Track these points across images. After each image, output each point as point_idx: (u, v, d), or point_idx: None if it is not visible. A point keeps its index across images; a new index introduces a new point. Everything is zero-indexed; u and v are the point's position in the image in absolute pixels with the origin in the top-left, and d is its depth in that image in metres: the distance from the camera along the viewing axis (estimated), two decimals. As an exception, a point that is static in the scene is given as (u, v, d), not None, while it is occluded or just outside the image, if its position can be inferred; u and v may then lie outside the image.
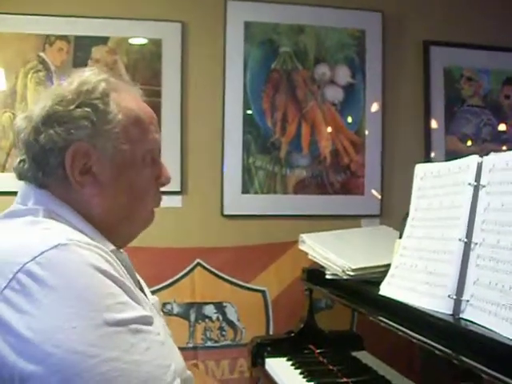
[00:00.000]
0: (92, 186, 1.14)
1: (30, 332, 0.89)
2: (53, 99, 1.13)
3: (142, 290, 1.27)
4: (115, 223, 1.19)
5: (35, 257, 0.94)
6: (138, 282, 1.28)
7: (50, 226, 1.05)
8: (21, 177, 1.17)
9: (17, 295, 0.92)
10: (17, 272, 0.93)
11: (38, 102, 1.16)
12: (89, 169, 1.14)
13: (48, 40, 2.72)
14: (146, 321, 1.00)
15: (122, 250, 1.24)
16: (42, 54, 2.71)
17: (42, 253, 0.94)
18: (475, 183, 1.42)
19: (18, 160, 1.18)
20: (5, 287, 0.92)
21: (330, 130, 2.94)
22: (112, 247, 1.14)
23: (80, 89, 1.14)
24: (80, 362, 0.88)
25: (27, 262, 0.93)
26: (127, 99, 1.20)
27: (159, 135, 1.26)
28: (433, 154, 3.05)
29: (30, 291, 0.91)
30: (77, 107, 1.12)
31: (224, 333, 2.76)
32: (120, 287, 0.99)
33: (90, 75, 1.18)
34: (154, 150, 1.24)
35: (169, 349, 1.05)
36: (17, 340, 0.89)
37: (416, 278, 1.53)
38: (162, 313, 1.44)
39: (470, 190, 1.42)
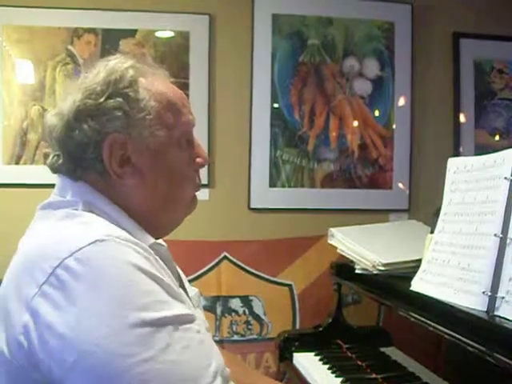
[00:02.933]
0: (132, 176, 1.12)
1: (65, 329, 0.89)
2: (82, 93, 1.11)
3: (182, 283, 1.26)
4: (157, 212, 1.17)
5: (74, 252, 0.93)
6: (179, 275, 1.27)
7: (88, 220, 1.04)
8: (56, 171, 1.16)
9: (55, 291, 0.91)
10: (56, 267, 0.92)
11: (66, 97, 1.14)
12: (127, 159, 1.12)
13: (76, 33, 2.73)
14: (186, 319, 0.98)
15: (162, 243, 1.22)
16: (70, 47, 2.73)
17: (81, 249, 0.93)
18: (511, 177, 1.39)
19: (52, 155, 1.15)
20: (44, 282, 0.92)
21: (358, 123, 2.91)
22: (152, 241, 1.12)
23: (108, 79, 1.12)
24: (115, 361, 0.88)
25: (66, 258, 0.93)
26: (156, 83, 1.17)
27: (192, 116, 1.23)
28: (462, 149, 3.00)
29: (68, 287, 0.91)
30: (107, 98, 1.10)
31: (250, 327, 2.75)
32: (159, 285, 0.97)
33: (116, 63, 1.15)
34: (189, 132, 1.22)
35: (209, 346, 1.03)
36: (52, 337, 0.89)
37: (449, 274, 1.50)
38: (201, 305, 1.43)
39: (506, 184, 1.39)
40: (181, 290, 1.14)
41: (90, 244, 0.94)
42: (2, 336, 0.95)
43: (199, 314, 1.30)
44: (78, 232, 0.98)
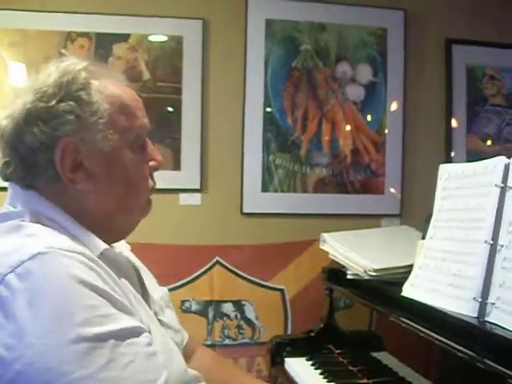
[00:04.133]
0: (85, 181, 1.09)
1: (4, 348, 0.86)
2: (33, 94, 1.08)
3: (144, 287, 1.24)
4: (112, 216, 1.14)
5: (15, 268, 0.90)
6: (139, 279, 1.24)
7: (33, 232, 1.00)
8: (6, 178, 1.12)
9: None
10: None
11: (17, 98, 1.10)
12: (80, 164, 1.08)
13: (69, 37, 2.73)
14: (132, 332, 0.95)
15: (115, 249, 1.20)
16: (63, 51, 2.72)
17: (22, 263, 0.91)
18: (502, 185, 1.40)
19: (2, 162, 1.11)
20: None
21: (350, 128, 2.92)
22: (103, 247, 1.09)
23: (60, 80, 1.08)
24: (54, 380, 0.85)
25: (6, 274, 0.90)
26: (109, 86, 1.14)
27: (146, 118, 1.20)
28: (453, 154, 3.02)
29: (7, 304, 0.88)
30: (59, 101, 1.06)
31: (242, 331, 2.75)
32: (102, 297, 0.94)
33: (68, 65, 1.12)
34: (142, 135, 1.19)
35: (161, 359, 1.00)
36: None
37: (440, 280, 1.51)
38: (171, 304, 1.39)
39: (497, 191, 1.40)
40: (137, 298, 1.10)
41: (31, 258, 0.91)
42: None
43: (168, 315, 1.29)
44: (20, 245, 0.95)
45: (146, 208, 1.22)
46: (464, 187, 1.55)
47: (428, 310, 1.50)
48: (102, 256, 1.06)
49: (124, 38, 2.75)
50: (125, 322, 0.95)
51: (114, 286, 1.00)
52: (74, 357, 0.86)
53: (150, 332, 1.04)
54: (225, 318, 2.74)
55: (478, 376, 1.32)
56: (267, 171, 2.85)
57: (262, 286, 2.78)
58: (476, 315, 1.35)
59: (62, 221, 1.07)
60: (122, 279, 1.09)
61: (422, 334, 1.51)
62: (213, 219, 2.81)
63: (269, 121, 2.85)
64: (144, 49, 2.77)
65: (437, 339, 1.44)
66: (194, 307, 2.71)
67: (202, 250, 2.74)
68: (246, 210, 2.84)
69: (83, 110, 1.08)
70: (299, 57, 2.88)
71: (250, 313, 2.76)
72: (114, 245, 1.22)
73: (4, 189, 1.14)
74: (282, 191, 2.87)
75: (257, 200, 2.84)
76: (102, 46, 2.74)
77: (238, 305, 2.76)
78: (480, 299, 1.35)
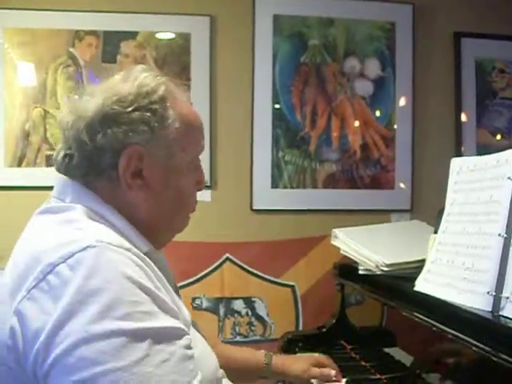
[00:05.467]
0: (140, 189, 1.13)
1: (48, 331, 0.89)
2: (109, 97, 1.11)
3: (176, 289, 1.27)
4: (156, 228, 1.18)
5: (66, 258, 0.94)
6: (175, 284, 1.27)
7: (83, 226, 1.03)
8: (62, 171, 1.15)
9: (43, 295, 0.93)
10: (48, 273, 0.94)
11: (88, 97, 1.14)
12: (139, 172, 1.12)
13: (77, 35, 2.73)
14: (173, 332, 0.97)
15: (159, 252, 1.22)
16: (71, 50, 2.72)
17: (73, 254, 0.94)
18: (515, 177, 1.39)
19: (63, 154, 1.15)
20: (33, 286, 0.94)
21: (359, 123, 2.91)
22: (148, 248, 1.13)
23: (140, 90, 1.12)
24: (89, 367, 0.87)
25: (58, 264, 0.94)
26: (182, 105, 1.19)
27: (204, 141, 1.27)
28: (463, 148, 3.00)
29: (56, 292, 0.92)
30: (136, 109, 1.10)
31: (253, 328, 2.75)
32: (148, 295, 0.96)
33: (147, 76, 1.16)
34: (198, 157, 1.25)
35: (194, 366, 1.00)
36: (36, 339, 0.90)
37: (453, 274, 1.50)
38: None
39: (510, 184, 1.39)
40: (177, 299, 1.12)
41: (81, 250, 0.95)
42: None
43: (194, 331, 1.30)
44: (72, 238, 0.98)
45: (185, 225, 1.26)
46: (476, 180, 1.54)
47: (442, 304, 1.49)
48: (147, 255, 1.08)
49: (132, 35, 2.75)
50: (166, 321, 0.97)
51: (158, 284, 1.02)
52: (112, 348, 0.88)
53: (190, 326, 1.08)
54: (236, 315, 2.74)
55: (492, 370, 1.31)
56: (277, 167, 2.84)
57: (273, 282, 2.78)
58: (490, 309, 1.34)
59: (112, 219, 1.10)
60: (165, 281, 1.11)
61: (435, 329, 1.51)
62: (223, 216, 2.80)
63: (278, 117, 2.84)
64: (152, 46, 2.77)
65: (451, 334, 1.43)
66: (205, 304, 2.71)
67: (213, 247, 2.74)
68: (255, 207, 2.83)
69: (157, 123, 1.12)
70: (307, 52, 2.86)
71: (260, 309, 2.76)
72: None
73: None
74: (292, 187, 2.86)
75: (267, 196, 2.84)
76: (110, 43, 2.74)
77: (249, 301, 2.76)
78: (494, 293, 1.34)
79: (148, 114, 1.11)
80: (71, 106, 1.15)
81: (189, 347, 0.99)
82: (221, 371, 1.26)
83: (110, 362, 0.88)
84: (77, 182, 1.13)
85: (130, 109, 1.10)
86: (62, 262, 0.93)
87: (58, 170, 1.16)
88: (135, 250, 1.02)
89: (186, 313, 1.12)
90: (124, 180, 1.11)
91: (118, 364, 0.88)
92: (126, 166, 1.10)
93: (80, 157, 1.12)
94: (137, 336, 0.91)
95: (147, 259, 1.04)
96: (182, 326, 1.01)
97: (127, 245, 1.01)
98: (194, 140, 1.21)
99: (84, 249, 0.95)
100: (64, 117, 1.15)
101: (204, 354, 1.16)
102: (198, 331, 1.27)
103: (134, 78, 1.14)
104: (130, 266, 0.97)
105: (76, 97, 1.17)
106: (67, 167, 1.14)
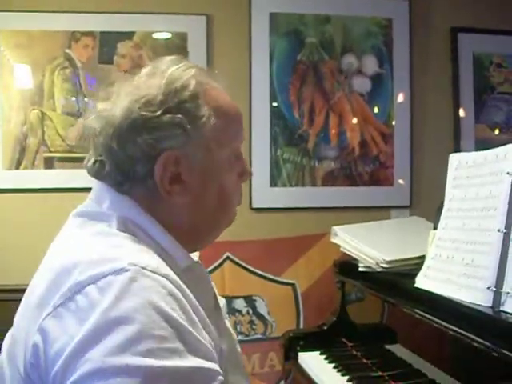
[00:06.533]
0: (180, 194, 1.05)
1: (69, 353, 0.85)
2: (136, 100, 1.02)
3: (216, 302, 1.21)
4: (201, 230, 1.12)
5: (96, 280, 0.89)
6: (214, 293, 1.20)
7: (120, 243, 0.97)
8: (98, 177, 1.08)
9: (68, 314, 0.88)
10: (75, 293, 0.89)
11: (114, 99, 1.05)
12: (177, 176, 1.04)
13: (74, 37, 2.73)
14: (201, 373, 0.88)
15: (199, 261, 1.17)
16: (68, 51, 2.72)
17: (105, 276, 0.88)
18: (514, 172, 1.39)
19: (93, 160, 1.07)
20: (60, 304, 0.89)
21: (357, 120, 2.91)
22: (190, 261, 1.08)
23: (169, 88, 1.03)
24: None
25: (88, 285, 0.89)
26: (217, 97, 1.09)
27: (243, 129, 1.17)
28: (462, 143, 3.00)
29: (82, 314, 0.87)
30: (166, 112, 1.01)
31: (254, 326, 2.75)
32: (176, 330, 0.88)
33: (176, 70, 1.06)
34: (239, 147, 1.16)
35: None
36: (57, 359, 0.86)
37: (453, 270, 1.50)
38: (227, 316, 1.34)
39: (509, 179, 1.39)
40: (212, 329, 1.03)
41: (114, 272, 0.89)
42: (21, 355, 0.93)
43: (227, 325, 1.25)
44: (105, 256, 0.93)
45: (233, 219, 1.19)
46: (475, 176, 1.54)
47: (442, 300, 1.49)
48: (187, 269, 1.05)
49: (128, 35, 2.75)
50: (191, 361, 0.88)
51: (193, 316, 0.94)
52: None
53: (222, 349, 1.02)
54: (237, 314, 2.74)
55: (492, 366, 1.31)
56: (275, 166, 2.84)
57: (273, 280, 2.77)
58: (491, 305, 1.34)
59: (151, 229, 1.04)
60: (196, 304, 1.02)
61: (436, 325, 1.51)
62: (222, 215, 2.80)
63: (276, 115, 2.84)
64: (148, 46, 2.77)
65: (452, 330, 1.43)
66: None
67: (212, 247, 2.67)
68: (255, 205, 2.83)
69: (190, 124, 1.03)
70: (304, 50, 2.87)
71: (261, 308, 2.75)
72: None
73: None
74: (291, 185, 2.86)
75: (266, 195, 2.84)
76: (107, 44, 2.74)
77: (250, 300, 2.75)
78: (494, 289, 1.34)
79: (180, 115, 1.02)
80: (97, 111, 1.07)
81: None
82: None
83: None
84: (112, 189, 1.06)
85: (159, 112, 1.01)
86: (92, 284, 0.88)
87: (93, 176, 1.09)
88: (172, 275, 0.95)
89: (223, 346, 1.06)
90: (162, 187, 1.03)
91: None
92: (162, 173, 1.02)
93: (112, 165, 1.04)
94: (155, 376, 0.83)
95: (183, 286, 0.95)
96: (213, 367, 0.91)
97: (164, 270, 0.94)
98: (232, 132, 1.11)
99: (116, 271, 0.89)
100: (90, 123, 1.07)
101: (237, 369, 1.11)
102: (236, 350, 1.21)
103: (162, 74, 1.05)
104: (163, 295, 0.89)
105: (101, 100, 1.08)
106: (99, 173, 1.07)
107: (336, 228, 2.16)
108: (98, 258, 0.92)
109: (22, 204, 2.62)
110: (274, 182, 2.84)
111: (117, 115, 1.02)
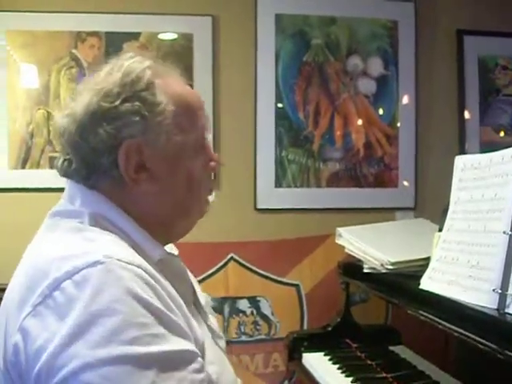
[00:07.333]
0: (148, 182, 1.07)
1: (51, 352, 0.86)
2: (96, 94, 1.05)
3: (195, 296, 1.21)
4: (173, 218, 1.13)
5: (72, 274, 0.90)
6: (192, 286, 1.21)
7: (92, 237, 0.99)
8: (66, 176, 1.11)
9: (48, 312, 0.89)
10: (53, 290, 0.90)
11: (77, 97, 1.08)
12: (142, 165, 1.06)
13: (80, 37, 2.74)
14: (183, 356, 0.92)
15: (174, 252, 1.19)
16: (74, 51, 2.73)
17: (80, 270, 0.90)
18: (520, 174, 1.39)
19: (62, 159, 1.10)
20: (39, 303, 0.90)
21: (362, 122, 2.91)
22: (163, 253, 1.09)
23: (125, 80, 1.06)
24: None
25: (64, 280, 0.90)
26: (174, 85, 1.12)
27: (206, 117, 1.19)
28: (467, 146, 3.00)
29: (61, 311, 0.88)
30: (124, 101, 1.04)
31: (258, 327, 2.75)
32: (156, 316, 0.91)
33: (132, 63, 1.09)
34: (204, 135, 1.17)
35: (215, 378, 0.98)
36: (38, 359, 0.87)
37: (458, 272, 1.50)
38: (212, 311, 1.36)
39: (515, 181, 1.39)
40: (189, 317, 1.05)
41: (89, 266, 0.90)
42: (1, 353, 0.94)
43: (212, 321, 1.26)
44: (79, 250, 0.94)
45: (205, 209, 1.20)
46: (481, 178, 1.54)
47: (447, 302, 1.48)
48: (161, 262, 1.06)
49: (134, 36, 2.76)
50: (175, 344, 0.91)
51: (170, 303, 0.97)
52: (117, 375, 0.84)
53: (204, 346, 1.03)
54: (241, 315, 2.74)
55: (497, 368, 1.31)
56: (280, 166, 2.84)
57: (277, 281, 2.78)
58: (496, 307, 1.33)
59: (121, 223, 1.06)
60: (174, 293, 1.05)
61: (441, 327, 1.50)
62: (227, 216, 2.80)
63: (281, 116, 2.84)
64: (154, 47, 2.77)
65: (456, 332, 1.43)
66: (210, 304, 2.71)
67: (217, 247, 2.74)
68: (259, 206, 2.83)
69: (148, 111, 1.06)
70: (310, 51, 2.87)
71: (265, 309, 2.76)
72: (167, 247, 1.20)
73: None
74: (296, 186, 2.86)
75: (270, 196, 2.84)
76: (113, 44, 2.74)
77: (254, 301, 2.76)
78: (500, 291, 1.33)
79: (137, 103, 1.05)
80: (64, 110, 1.10)
81: (200, 371, 0.94)
82: (239, 381, 1.23)
83: None
84: (83, 186, 1.08)
85: (117, 102, 1.04)
86: (68, 279, 0.89)
87: (62, 175, 1.12)
88: (145, 265, 0.96)
89: (198, 332, 1.05)
90: (128, 177, 1.05)
91: None
92: (125, 162, 1.05)
93: (78, 160, 1.07)
94: (143, 362, 0.86)
95: (157, 275, 0.98)
96: (193, 349, 0.95)
97: (138, 260, 0.96)
98: (193, 118, 1.13)
99: (91, 264, 0.90)
100: (57, 122, 1.10)
101: (221, 369, 1.10)
102: (217, 343, 1.21)
103: (119, 68, 1.08)
104: (139, 284, 0.92)
105: (68, 99, 1.13)
106: (68, 172, 1.10)
107: (340, 229, 2.16)
108: (72, 253, 0.94)
109: (28, 203, 2.62)
110: (278, 183, 2.84)
111: (78, 112, 1.06)
